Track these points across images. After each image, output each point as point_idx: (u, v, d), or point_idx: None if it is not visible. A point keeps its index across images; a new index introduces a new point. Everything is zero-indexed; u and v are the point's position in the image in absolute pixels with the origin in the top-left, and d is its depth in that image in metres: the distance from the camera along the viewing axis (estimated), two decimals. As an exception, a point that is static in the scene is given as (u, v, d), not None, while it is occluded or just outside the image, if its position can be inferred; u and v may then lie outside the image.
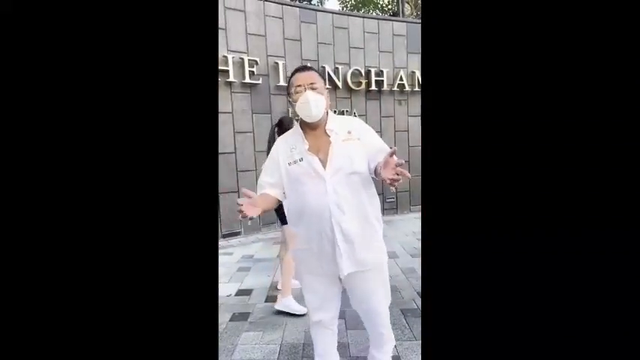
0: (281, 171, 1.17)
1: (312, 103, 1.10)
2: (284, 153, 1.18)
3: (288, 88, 1.20)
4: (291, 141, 1.19)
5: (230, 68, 3.90)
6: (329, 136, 1.13)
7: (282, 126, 2.35)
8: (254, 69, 4.08)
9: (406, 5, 8.41)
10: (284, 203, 1.25)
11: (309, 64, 4.38)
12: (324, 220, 1.12)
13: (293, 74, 1.19)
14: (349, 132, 1.14)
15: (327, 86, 4.55)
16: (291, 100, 1.18)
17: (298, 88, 1.13)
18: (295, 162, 1.14)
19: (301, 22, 4.46)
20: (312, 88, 1.12)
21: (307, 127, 1.17)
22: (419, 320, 2.02)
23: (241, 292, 2.56)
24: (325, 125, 1.16)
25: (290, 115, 3.78)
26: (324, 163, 1.11)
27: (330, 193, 1.10)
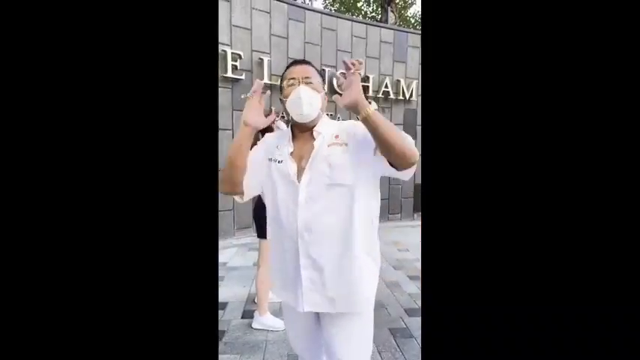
0: (257, 165, 0.98)
1: (305, 99, 0.91)
2: (268, 148, 1.01)
3: (280, 82, 1.01)
4: (278, 140, 1.01)
5: (211, 60, 3.64)
6: (315, 140, 0.95)
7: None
8: (237, 63, 3.85)
9: (390, 14, 8.47)
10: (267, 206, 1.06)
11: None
12: (292, 237, 0.93)
13: (287, 68, 1.00)
14: (337, 136, 0.94)
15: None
16: (281, 96, 0.98)
17: (291, 81, 0.94)
18: (276, 161, 0.97)
19: (289, 19, 4.29)
20: (307, 83, 0.93)
21: (297, 128, 0.99)
22: (409, 341, 1.91)
23: (214, 306, 2.32)
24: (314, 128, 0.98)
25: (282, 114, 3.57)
26: (304, 171, 0.93)
27: (301, 205, 0.91)
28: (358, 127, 0.91)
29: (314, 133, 0.96)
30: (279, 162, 0.96)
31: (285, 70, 0.99)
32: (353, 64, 0.82)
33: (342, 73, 0.88)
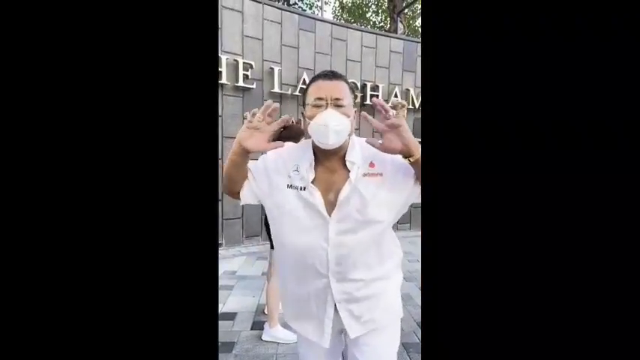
0: (257, 177, 0.90)
1: (333, 128, 0.77)
2: (282, 168, 0.86)
3: (304, 95, 0.85)
4: (296, 159, 0.86)
5: (223, 70, 3.69)
6: (348, 170, 0.83)
7: (289, 131, 1.83)
8: (248, 73, 3.89)
9: (399, 24, 8.52)
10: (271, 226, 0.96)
11: (305, 73, 4.30)
12: (319, 273, 0.84)
13: (314, 80, 0.84)
14: (371, 164, 0.83)
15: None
16: (304, 112, 0.83)
17: (318, 101, 0.79)
18: (297, 188, 0.84)
19: (300, 29, 4.34)
20: (338, 105, 0.79)
21: (320, 151, 0.84)
22: (423, 357, 1.86)
23: (224, 316, 2.30)
24: (345, 155, 0.84)
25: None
26: (332, 205, 0.82)
27: (333, 242, 0.82)
28: (389, 156, 0.82)
29: (347, 163, 0.83)
30: (301, 189, 0.83)
31: (312, 82, 0.84)
32: (385, 110, 0.76)
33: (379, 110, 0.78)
